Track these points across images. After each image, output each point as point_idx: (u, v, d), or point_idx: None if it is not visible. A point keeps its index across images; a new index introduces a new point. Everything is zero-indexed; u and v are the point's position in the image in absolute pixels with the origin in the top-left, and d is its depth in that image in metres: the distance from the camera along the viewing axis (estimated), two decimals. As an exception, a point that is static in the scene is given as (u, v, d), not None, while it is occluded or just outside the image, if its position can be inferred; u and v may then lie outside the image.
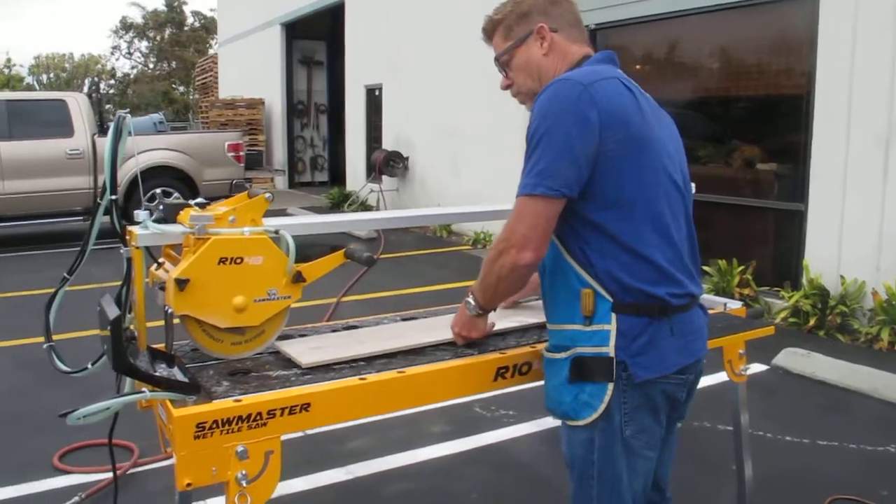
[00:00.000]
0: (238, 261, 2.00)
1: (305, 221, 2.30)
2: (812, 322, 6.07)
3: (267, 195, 2.08)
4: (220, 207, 2.08)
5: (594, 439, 1.85)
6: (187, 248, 2.01)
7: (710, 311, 2.69)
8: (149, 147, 10.92)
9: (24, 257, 9.92)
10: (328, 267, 2.19)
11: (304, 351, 2.15)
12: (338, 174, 17.83)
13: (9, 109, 10.22)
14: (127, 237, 2.02)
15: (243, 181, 11.84)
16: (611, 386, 1.81)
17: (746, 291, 6.70)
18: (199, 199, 2.08)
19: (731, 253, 6.96)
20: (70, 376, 2.24)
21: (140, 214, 2.03)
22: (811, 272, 6.37)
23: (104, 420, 1.87)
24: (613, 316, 1.79)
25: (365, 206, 13.65)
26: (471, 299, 2.07)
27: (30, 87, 41.10)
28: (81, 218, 10.58)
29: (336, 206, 14.41)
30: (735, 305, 2.83)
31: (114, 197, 1.96)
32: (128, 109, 2.00)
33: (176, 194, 10.75)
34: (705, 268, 6.93)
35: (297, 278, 2.10)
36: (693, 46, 8.05)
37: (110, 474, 3.10)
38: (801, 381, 5.05)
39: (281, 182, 18.72)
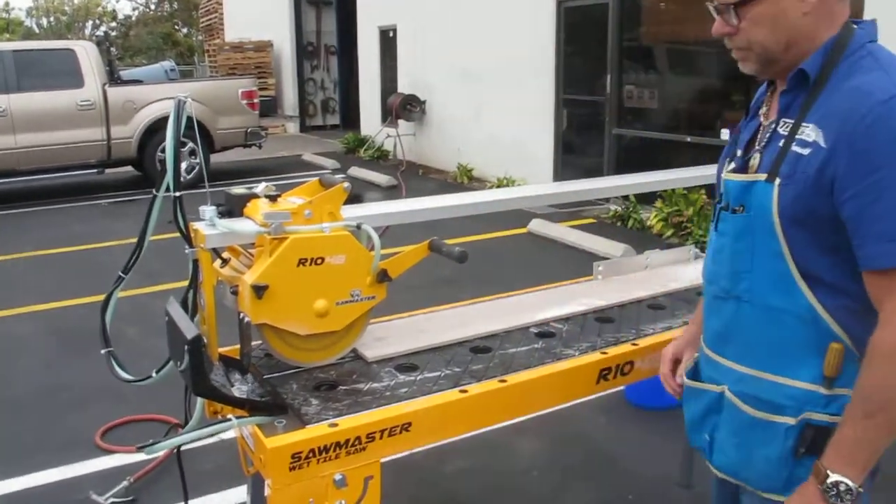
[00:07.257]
0: (319, 261, 1.79)
1: (388, 210, 2.09)
2: None
3: (345, 185, 1.87)
4: (290, 198, 1.88)
5: None
6: (261, 249, 1.80)
7: None
8: (161, 96, 10.64)
9: (44, 212, 9.72)
10: (412, 260, 1.99)
11: (367, 343, 2.03)
12: (349, 117, 17.49)
13: (16, 60, 9.94)
14: (192, 236, 1.82)
15: (258, 129, 11.58)
16: None
17: None
18: (271, 192, 1.86)
19: None
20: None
21: (206, 211, 1.83)
22: None
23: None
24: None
25: (381, 152, 13.37)
26: (844, 479, 1.35)
27: (29, 32, 40.29)
28: (96, 171, 10.41)
29: (351, 152, 14.14)
30: None
31: (178, 194, 1.75)
32: (188, 95, 1.78)
33: (190, 144, 10.48)
34: None
35: (382, 277, 1.90)
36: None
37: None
38: None
39: (292, 127, 18.38)
